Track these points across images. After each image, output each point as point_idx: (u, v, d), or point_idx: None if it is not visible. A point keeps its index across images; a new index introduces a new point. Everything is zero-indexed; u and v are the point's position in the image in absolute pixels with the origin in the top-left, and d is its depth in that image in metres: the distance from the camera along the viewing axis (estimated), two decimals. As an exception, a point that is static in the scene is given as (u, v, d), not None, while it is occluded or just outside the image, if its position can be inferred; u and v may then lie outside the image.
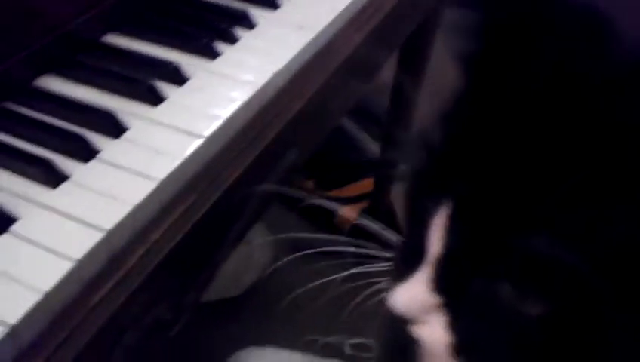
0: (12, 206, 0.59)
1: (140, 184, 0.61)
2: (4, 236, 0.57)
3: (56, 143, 0.65)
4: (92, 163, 0.64)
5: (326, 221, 1.86)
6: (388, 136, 1.60)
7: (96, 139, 0.66)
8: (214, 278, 0.70)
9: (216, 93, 0.73)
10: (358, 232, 1.60)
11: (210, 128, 0.68)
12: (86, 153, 0.64)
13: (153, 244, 0.60)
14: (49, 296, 0.52)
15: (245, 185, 0.71)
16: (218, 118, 0.69)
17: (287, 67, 0.77)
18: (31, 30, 0.71)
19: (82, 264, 0.55)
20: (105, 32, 0.80)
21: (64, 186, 0.61)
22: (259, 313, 1.55)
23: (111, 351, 0.59)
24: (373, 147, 1.88)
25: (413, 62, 1.34)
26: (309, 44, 0.81)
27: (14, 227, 0.57)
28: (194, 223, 0.64)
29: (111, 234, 0.57)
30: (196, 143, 0.66)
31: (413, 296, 0.33)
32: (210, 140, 0.67)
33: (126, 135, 0.67)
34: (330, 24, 0.85)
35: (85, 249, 0.55)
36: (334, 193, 1.90)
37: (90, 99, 0.72)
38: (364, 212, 1.85)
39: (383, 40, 1.00)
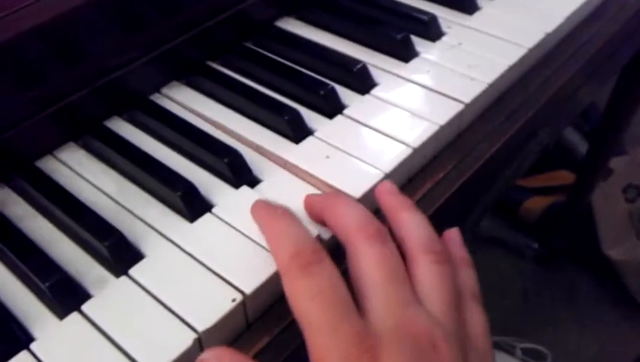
0: (254, 162, 0.52)
1: (392, 149, 0.52)
2: (244, 189, 0.49)
3: (302, 93, 0.57)
4: (338, 119, 0.55)
5: (510, 210, 1.72)
6: (601, 134, 1.41)
7: (341, 92, 0.58)
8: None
9: (474, 53, 0.62)
10: (542, 225, 1.44)
11: (470, 94, 0.57)
12: (332, 107, 0.56)
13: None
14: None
15: (497, 162, 0.60)
16: (478, 83, 0.58)
17: (558, 29, 0.65)
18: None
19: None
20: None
21: (307, 143, 0.53)
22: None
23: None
24: (577, 140, 1.70)
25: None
26: (586, 3, 0.67)
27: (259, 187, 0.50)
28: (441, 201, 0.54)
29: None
30: (455, 109, 0.55)
31: None
32: (469, 107, 0.57)
33: (374, 91, 0.58)
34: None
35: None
36: (523, 182, 1.74)
37: (335, 47, 0.63)
38: (555, 205, 1.67)
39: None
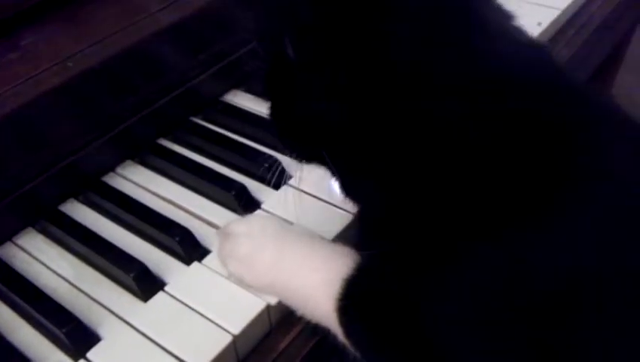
0: (202, 235, 0.55)
1: (338, 215, 0.55)
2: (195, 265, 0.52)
3: (248, 166, 0.61)
4: (284, 189, 0.58)
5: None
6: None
7: (284, 161, 0.61)
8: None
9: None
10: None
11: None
12: (278, 179, 0.59)
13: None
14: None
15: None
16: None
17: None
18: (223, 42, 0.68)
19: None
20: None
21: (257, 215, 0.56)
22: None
23: None
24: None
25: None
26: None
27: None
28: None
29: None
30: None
31: None
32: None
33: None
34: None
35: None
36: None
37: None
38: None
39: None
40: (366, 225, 0.47)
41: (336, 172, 0.43)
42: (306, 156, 0.46)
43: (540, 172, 0.37)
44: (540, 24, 0.74)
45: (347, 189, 0.44)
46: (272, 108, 0.46)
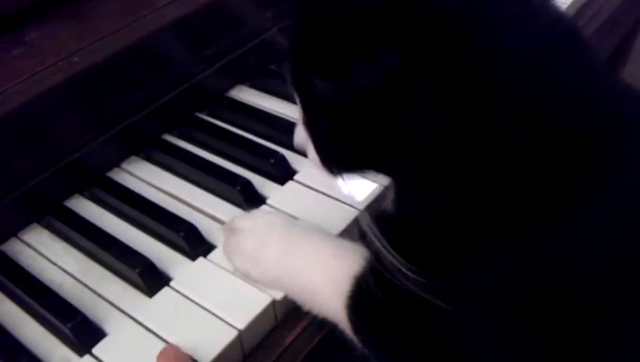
0: (207, 230, 0.55)
1: (344, 211, 0.55)
2: (201, 260, 0.52)
3: (253, 161, 0.60)
4: (289, 185, 0.58)
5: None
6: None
7: (290, 156, 0.61)
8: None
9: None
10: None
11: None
12: (283, 174, 0.59)
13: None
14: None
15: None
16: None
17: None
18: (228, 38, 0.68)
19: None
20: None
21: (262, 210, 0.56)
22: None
23: None
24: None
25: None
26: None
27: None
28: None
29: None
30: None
31: (299, 131, 0.43)
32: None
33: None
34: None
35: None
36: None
37: (285, 112, 0.67)
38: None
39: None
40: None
41: (401, 183, 0.40)
42: (351, 169, 0.42)
43: (562, 173, 0.36)
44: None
45: (406, 198, 0.41)
46: (313, 120, 0.40)
